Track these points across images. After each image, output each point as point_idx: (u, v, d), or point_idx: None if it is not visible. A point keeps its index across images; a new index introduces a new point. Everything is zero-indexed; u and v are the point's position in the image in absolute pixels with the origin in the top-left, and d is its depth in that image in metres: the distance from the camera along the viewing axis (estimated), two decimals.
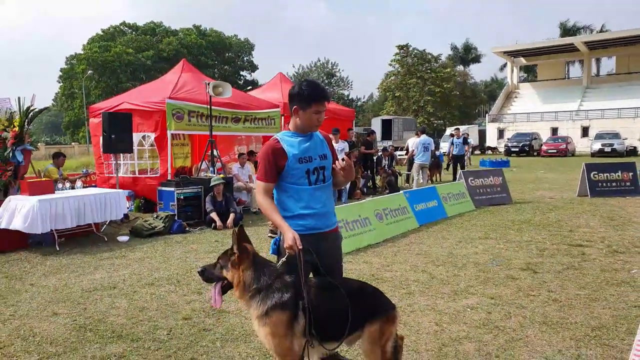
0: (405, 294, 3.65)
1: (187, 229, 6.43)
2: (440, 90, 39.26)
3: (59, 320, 3.25)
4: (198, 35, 46.17)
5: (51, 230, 5.29)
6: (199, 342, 2.87)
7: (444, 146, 16.14)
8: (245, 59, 50.92)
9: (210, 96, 7.39)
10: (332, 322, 2.00)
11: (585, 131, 31.99)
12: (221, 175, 7.23)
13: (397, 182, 10.88)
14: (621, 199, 8.49)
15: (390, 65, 42.45)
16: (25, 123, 6.07)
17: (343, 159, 2.13)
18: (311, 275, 2.19)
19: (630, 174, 9.06)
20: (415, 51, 40.84)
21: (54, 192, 5.63)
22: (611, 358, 2.56)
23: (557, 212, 7.33)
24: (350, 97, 51.21)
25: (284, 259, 2.09)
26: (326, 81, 47.92)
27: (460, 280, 3.97)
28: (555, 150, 25.87)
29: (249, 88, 37.70)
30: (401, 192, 6.93)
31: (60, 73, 44.78)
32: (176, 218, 6.48)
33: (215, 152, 7.81)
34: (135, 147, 7.81)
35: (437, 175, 12.61)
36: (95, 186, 7.80)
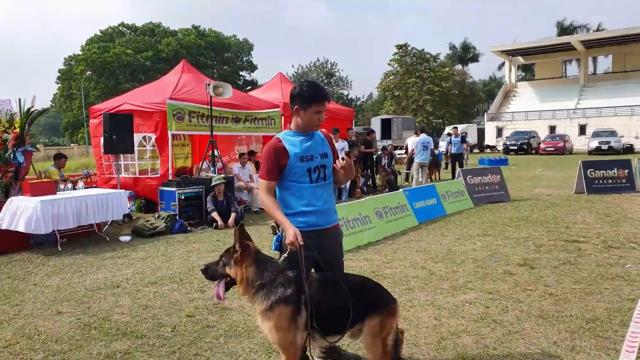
0: (405, 289, 3.71)
1: (189, 228, 6.48)
2: (439, 89, 39.35)
3: (63, 319, 3.29)
4: (197, 35, 46.16)
5: (53, 230, 5.33)
6: (203, 339, 2.92)
7: (442, 145, 16.21)
8: (244, 59, 50.94)
9: (211, 97, 7.44)
10: (334, 316, 2.05)
11: (582, 129, 32.11)
12: (222, 175, 7.28)
13: (397, 181, 10.95)
14: (617, 195, 8.57)
15: (389, 64, 42.57)
16: (26, 124, 6.11)
17: (343, 158, 2.19)
18: (313, 270, 2.25)
19: (626, 171, 9.15)
20: (414, 51, 40.93)
21: (55, 193, 5.67)
22: (604, 349, 2.62)
23: (554, 209, 7.41)
24: (349, 96, 51.33)
25: (285, 255, 2.15)
26: (325, 81, 47.97)
27: (458, 276, 4.04)
28: (553, 149, 25.99)
29: (248, 88, 37.72)
30: (401, 190, 7.00)
31: (59, 74, 44.73)
32: (177, 218, 6.53)
33: (216, 152, 7.86)
34: (135, 148, 7.85)
35: (436, 173, 12.69)
36: (96, 187, 7.84)
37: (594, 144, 25.10)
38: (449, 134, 13.58)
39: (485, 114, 39.34)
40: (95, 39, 43.90)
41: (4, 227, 5.27)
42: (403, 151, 16.89)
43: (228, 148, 9.94)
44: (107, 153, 7.52)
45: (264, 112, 9.05)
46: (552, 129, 32.70)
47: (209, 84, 7.46)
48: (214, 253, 4.99)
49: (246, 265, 2.11)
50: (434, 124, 40.92)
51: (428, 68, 40.49)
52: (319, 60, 50.22)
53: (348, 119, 12.07)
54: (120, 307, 3.51)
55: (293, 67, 60.36)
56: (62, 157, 7.76)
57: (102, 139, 7.55)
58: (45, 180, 6.28)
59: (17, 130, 5.97)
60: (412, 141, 11.59)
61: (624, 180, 9.08)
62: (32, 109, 6.13)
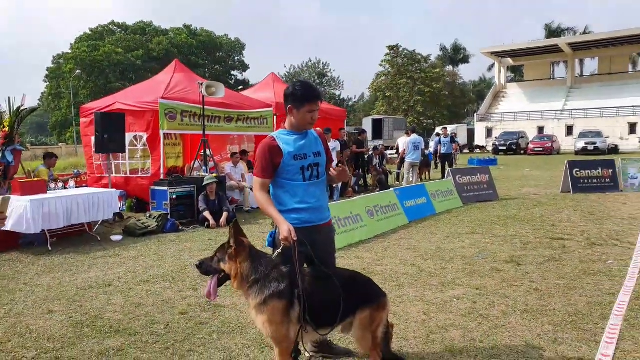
0: (395, 286, 3.79)
1: (181, 227, 6.48)
2: (430, 90, 39.74)
3: (55, 318, 3.29)
4: (188, 34, 45.82)
5: (43, 230, 5.29)
6: (196, 335, 2.95)
7: (432, 145, 16.42)
8: (236, 58, 50.73)
9: (204, 96, 7.44)
10: (326, 309, 2.12)
11: (569, 130, 32.77)
12: (214, 175, 7.28)
13: (388, 180, 11.07)
14: (601, 194, 8.80)
15: (380, 65, 42.88)
16: (15, 123, 6.05)
17: (338, 165, 2.27)
18: (305, 265, 2.31)
19: (610, 170, 9.41)
20: (405, 52, 41.27)
21: (46, 193, 5.62)
22: (585, 341, 2.73)
23: (541, 208, 7.58)
24: (341, 97, 51.55)
25: (279, 250, 2.20)
26: (318, 81, 48.07)
27: (447, 272, 4.13)
28: (541, 149, 26.45)
29: (240, 88, 37.60)
30: (391, 189, 7.09)
31: (47, 72, 43.94)
32: (169, 217, 6.52)
33: (208, 152, 7.86)
34: (127, 147, 7.81)
35: (427, 173, 12.85)
36: (86, 186, 7.78)
37: (581, 144, 25.64)
38: (438, 134, 13.75)
39: (475, 114, 39.85)
40: (85, 37, 43.26)
41: None
42: (394, 151, 17.05)
43: (220, 147, 9.94)
44: (99, 152, 7.47)
45: (256, 111, 9.07)
46: (541, 129, 33.30)
47: (201, 84, 7.46)
48: (205, 252, 5.00)
49: (240, 261, 2.16)
50: (424, 124, 41.31)
51: (419, 69, 40.88)
52: (311, 61, 50.38)
53: (340, 119, 12.15)
54: (113, 305, 3.52)
55: (285, 67, 60.37)
56: (53, 156, 7.68)
57: (93, 138, 7.49)
58: (36, 179, 6.22)
59: (7, 129, 5.91)
60: (403, 141, 11.73)
61: (608, 180, 9.33)
62: (21, 108, 6.07)
